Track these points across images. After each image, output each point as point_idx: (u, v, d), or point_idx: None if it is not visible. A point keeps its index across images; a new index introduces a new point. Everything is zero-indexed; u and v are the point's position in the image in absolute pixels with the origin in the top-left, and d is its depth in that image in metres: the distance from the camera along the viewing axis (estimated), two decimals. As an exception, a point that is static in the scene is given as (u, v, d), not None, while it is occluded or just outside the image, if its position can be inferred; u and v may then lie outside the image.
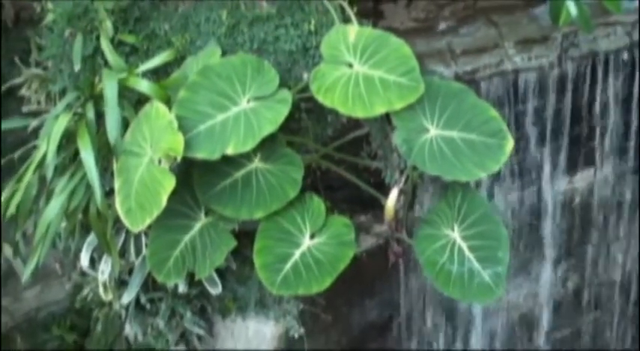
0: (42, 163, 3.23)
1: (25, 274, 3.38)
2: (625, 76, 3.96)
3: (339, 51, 3.22)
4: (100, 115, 3.22)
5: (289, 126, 3.23)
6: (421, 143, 3.13)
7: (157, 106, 3.13)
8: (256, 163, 3.21)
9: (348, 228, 3.24)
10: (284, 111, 3.12)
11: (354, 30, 3.26)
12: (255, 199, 3.19)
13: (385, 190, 3.38)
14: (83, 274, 3.95)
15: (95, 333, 4.33)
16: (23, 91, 3.81)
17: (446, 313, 4.59)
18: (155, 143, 3.07)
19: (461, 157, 3.12)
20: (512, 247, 4.23)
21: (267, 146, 3.15)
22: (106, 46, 3.36)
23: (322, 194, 3.30)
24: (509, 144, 3.15)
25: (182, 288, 3.82)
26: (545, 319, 4.81)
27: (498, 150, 3.15)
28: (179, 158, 3.02)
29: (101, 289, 3.80)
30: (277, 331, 4.07)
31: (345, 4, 3.39)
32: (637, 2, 3.89)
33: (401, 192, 3.31)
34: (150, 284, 3.83)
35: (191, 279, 3.59)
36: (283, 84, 3.24)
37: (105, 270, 3.73)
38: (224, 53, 3.34)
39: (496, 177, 4.12)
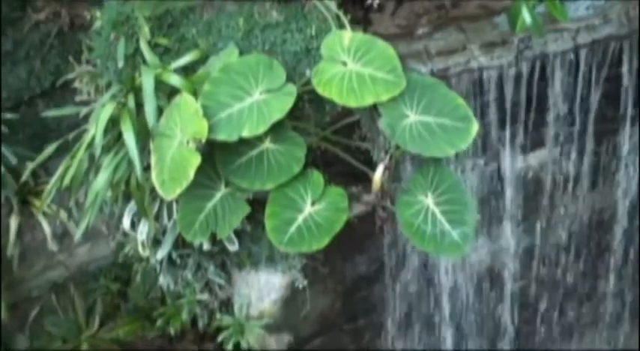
0: (91, 143, 3.25)
1: (77, 234, 3.43)
2: (570, 73, 3.96)
3: (335, 52, 3.22)
4: (139, 104, 3.23)
5: (294, 113, 3.22)
6: (402, 127, 3.14)
7: (186, 97, 3.14)
8: (267, 144, 3.22)
9: (342, 197, 3.26)
10: (290, 101, 3.13)
11: (348, 35, 3.26)
12: (267, 173, 3.20)
13: (373, 166, 3.38)
14: (125, 234, 3.96)
15: (135, 283, 4.38)
16: (76, 84, 3.80)
17: (423, 267, 4.60)
18: (184, 127, 3.08)
19: (435, 137, 3.13)
20: (477, 213, 4.26)
21: (276, 130, 3.15)
22: (144, 47, 3.36)
23: (321, 169, 3.30)
24: (475, 127, 3.16)
25: (206, 246, 3.83)
26: (506, 272, 4.83)
27: (466, 132, 3.15)
28: (204, 140, 3.04)
29: (140, 247, 3.81)
30: (284, 281, 4.09)
31: (341, 13, 3.38)
32: (580, 12, 3.89)
33: (386, 168, 3.32)
34: (180, 243, 3.83)
35: (214, 238, 3.60)
36: (289, 79, 3.24)
37: (143, 231, 3.74)
38: (241, 53, 3.34)
39: (464, 155, 4.13)
